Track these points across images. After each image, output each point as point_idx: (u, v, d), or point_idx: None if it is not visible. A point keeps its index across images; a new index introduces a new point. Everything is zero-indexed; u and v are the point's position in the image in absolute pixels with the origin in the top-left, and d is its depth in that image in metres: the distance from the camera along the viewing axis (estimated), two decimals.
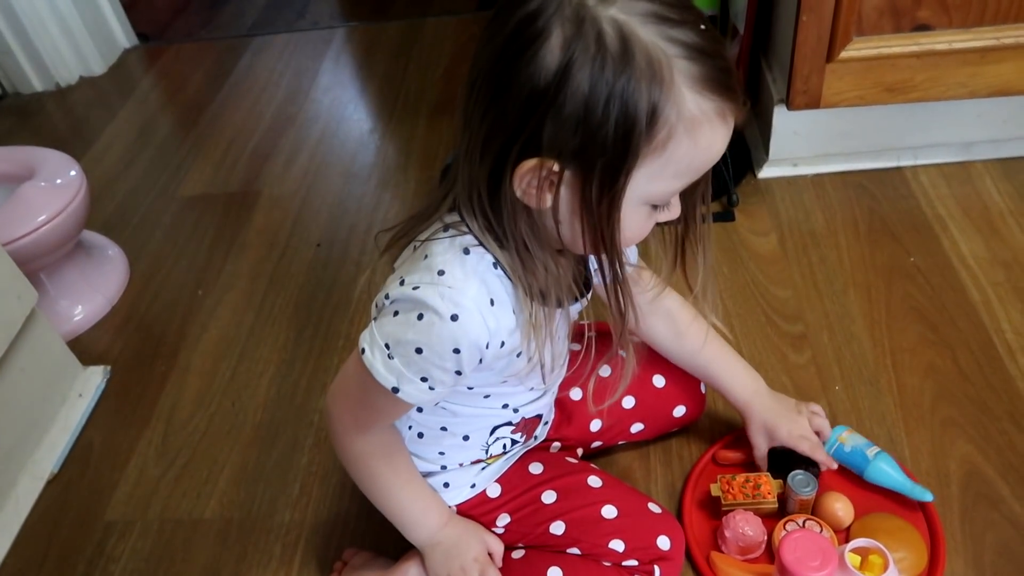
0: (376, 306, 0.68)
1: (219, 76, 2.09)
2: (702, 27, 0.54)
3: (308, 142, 1.76)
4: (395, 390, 0.66)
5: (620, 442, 1.00)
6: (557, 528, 0.83)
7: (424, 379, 0.65)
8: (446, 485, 0.84)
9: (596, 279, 0.76)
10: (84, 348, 1.29)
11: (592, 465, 0.91)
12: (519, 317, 0.65)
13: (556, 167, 0.55)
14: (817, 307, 1.18)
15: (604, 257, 0.60)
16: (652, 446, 1.02)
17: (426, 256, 0.64)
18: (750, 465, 0.95)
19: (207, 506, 1.05)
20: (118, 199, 1.66)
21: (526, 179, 0.57)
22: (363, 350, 0.66)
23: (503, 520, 0.85)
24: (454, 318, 0.61)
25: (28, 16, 1.99)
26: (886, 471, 0.90)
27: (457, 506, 0.85)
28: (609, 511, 0.83)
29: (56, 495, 1.09)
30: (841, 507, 0.87)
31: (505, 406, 0.81)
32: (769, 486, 0.90)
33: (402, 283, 0.63)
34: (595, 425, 0.95)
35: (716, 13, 1.52)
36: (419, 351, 0.63)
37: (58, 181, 1.28)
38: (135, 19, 2.31)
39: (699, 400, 0.99)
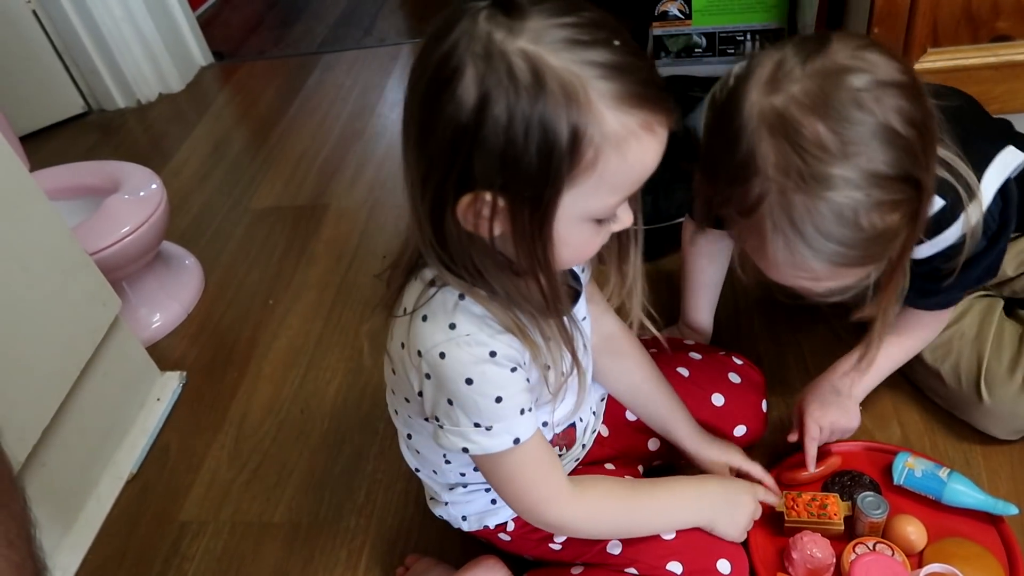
0: (411, 397, 0.71)
1: (290, 92, 2.16)
2: (616, 43, 0.54)
3: (375, 156, 1.81)
4: (516, 441, 0.68)
5: (682, 461, 0.99)
6: (614, 547, 0.82)
7: (521, 411, 0.67)
8: (493, 502, 0.85)
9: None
10: (161, 354, 1.35)
11: None
12: (522, 340, 0.66)
13: (489, 197, 0.56)
14: None
15: (542, 278, 0.61)
16: None
17: (425, 317, 0.65)
18: (817, 486, 0.93)
19: (276, 510, 1.08)
20: (194, 211, 1.73)
21: (468, 213, 0.58)
22: (465, 449, 0.68)
23: (561, 537, 0.85)
24: (492, 355, 0.63)
25: (113, 37, 2.09)
26: (964, 491, 0.87)
27: (514, 520, 0.86)
28: (668, 532, 0.82)
29: (134, 494, 1.14)
30: (914, 531, 0.85)
31: (545, 424, 0.81)
32: (836, 507, 0.88)
33: (420, 354, 0.65)
34: (653, 444, 0.95)
35: (783, 26, 1.51)
36: (499, 400, 0.65)
37: (141, 194, 1.34)
38: (211, 38, 2.41)
39: (760, 419, 0.98)
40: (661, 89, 0.57)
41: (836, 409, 0.91)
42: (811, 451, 0.91)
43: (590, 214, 0.59)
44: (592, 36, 0.54)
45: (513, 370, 0.65)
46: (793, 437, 0.94)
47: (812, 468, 0.91)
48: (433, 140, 0.56)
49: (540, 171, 0.54)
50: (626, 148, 0.55)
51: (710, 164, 0.72)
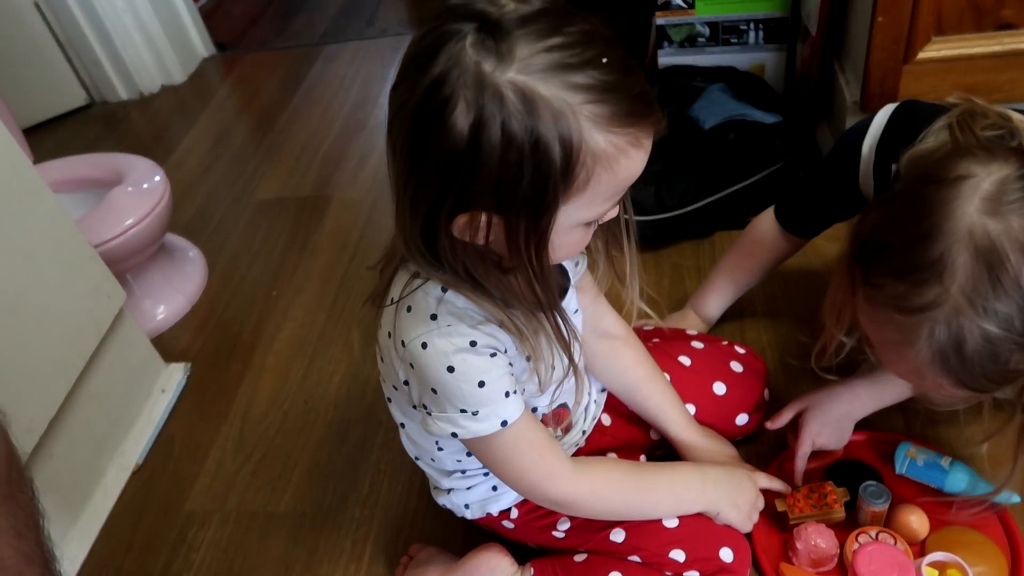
0: (398, 385, 0.72)
1: (292, 84, 2.16)
2: (604, 61, 0.54)
3: (378, 147, 1.80)
4: (504, 423, 0.68)
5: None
6: (617, 535, 0.83)
7: (506, 393, 0.68)
8: (494, 489, 0.85)
9: (573, 279, 0.79)
10: (166, 346, 1.35)
11: None
12: (508, 330, 0.67)
13: (485, 217, 0.57)
14: None
15: (534, 278, 0.62)
16: None
17: (409, 308, 0.66)
18: (817, 474, 0.94)
19: (281, 500, 1.08)
20: (198, 203, 1.73)
21: (465, 230, 0.59)
22: (455, 435, 0.69)
23: (563, 524, 0.85)
24: (473, 344, 0.65)
25: (115, 28, 2.09)
26: (967, 479, 0.87)
27: (517, 507, 0.86)
28: (670, 520, 0.82)
29: (140, 485, 1.15)
30: (916, 519, 0.85)
31: (535, 409, 0.82)
32: (835, 495, 0.88)
33: (403, 344, 0.66)
34: (655, 434, 0.95)
35: (787, 15, 1.50)
36: (482, 384, 0.66)
37: (144, 186, 1.34)
38: (213, 29, 2.41)
39: (762, 408, 0.98)
40: (649, 100, 0.57)
41: (833, 433, 0.91)
42: (800, 467, 0.91)
43: (582, 221, 0.61)
44: (580, 57, 0.54)
45: (493, 355, 0.66)
46: (772, 425, 0.94)
47: (799, 482, 0.91)
48: (424, 168, 0.57)
49: (535, 196, 0.55)
50: (616, 165, 0.56)
51: (882, 234, 0.68)
